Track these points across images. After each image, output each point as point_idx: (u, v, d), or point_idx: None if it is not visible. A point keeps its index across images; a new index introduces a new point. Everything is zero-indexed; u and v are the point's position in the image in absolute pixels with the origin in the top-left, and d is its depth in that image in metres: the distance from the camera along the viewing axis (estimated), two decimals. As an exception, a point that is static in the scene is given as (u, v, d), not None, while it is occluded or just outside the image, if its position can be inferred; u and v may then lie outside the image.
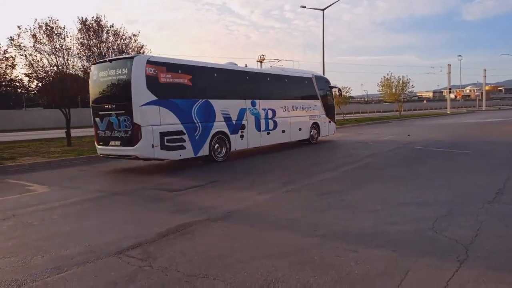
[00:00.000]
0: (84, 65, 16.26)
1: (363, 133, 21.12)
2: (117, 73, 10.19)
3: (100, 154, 11.23)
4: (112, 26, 16.33)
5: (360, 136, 19.62)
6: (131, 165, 11.88)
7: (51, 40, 15.10)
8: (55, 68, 15.53)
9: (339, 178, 8.81)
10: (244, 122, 12.87)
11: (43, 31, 14.93)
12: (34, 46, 14.87)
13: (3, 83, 15.37)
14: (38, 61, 15.18)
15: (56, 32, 15.16)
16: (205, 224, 5.46)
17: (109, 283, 3.64)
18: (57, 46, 15.27)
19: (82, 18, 15.84)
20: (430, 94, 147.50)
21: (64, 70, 15.72)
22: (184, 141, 10.70)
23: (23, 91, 17.55)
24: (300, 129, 15.80)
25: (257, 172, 10.58)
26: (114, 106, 10.29)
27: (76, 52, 15.91)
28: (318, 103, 17.15)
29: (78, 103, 34.30)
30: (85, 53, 16.05)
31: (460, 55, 76.26)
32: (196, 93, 11.28)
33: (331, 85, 18.66)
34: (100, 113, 10.62)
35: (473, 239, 4.49)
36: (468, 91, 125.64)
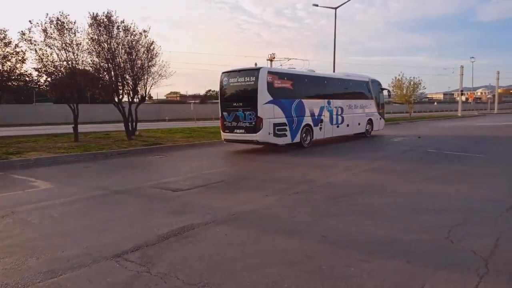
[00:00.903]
0: (94, 61, 16.20)
1: (371, 135, 20.71)
2: (245, 80, 13.52)
3: (225, 140, 14.56)
4: (122, 22, 16.22)
5: (369, 137, 19.29)
6: (140, 162, 11.83)
7: (62, 35, 15.00)
8: (64, 63, 15.43)
9: (349, 181, 8.53)
10: (322, 117, 15.95)
11: (54, 26, 14.85)
12: (44, 40, 14.81)
13: (13, 77, 15.28)
14: (48, 56, 15.11)
15: (66, 27, 15.07)
16: (209, 226, 5.23)
17: (104, 290, 3.43)
18: (67, 41, 15.17)
19: (93, 13, 15.75)
20: (441, 96, 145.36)
21: (74, 65, 15.64)
22: (286, 130, 13.96)
23: (32, 85, 17.40)
24: (359, 124, 18.86)
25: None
26: (241, 104, 13.54)
27: (86, 48, 15.84)
28: (372, 102, 20.14)
29: (87, 99, 34.30)
30: (95, 48, 15.94)
31: (472, 57, 74.89)
32: (294, 94, 14.48)
33: (382, 87, 21.57)
34: (228, 108, 13.92)
35: (493, 251, 4.22)
36: (479, 93, 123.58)
